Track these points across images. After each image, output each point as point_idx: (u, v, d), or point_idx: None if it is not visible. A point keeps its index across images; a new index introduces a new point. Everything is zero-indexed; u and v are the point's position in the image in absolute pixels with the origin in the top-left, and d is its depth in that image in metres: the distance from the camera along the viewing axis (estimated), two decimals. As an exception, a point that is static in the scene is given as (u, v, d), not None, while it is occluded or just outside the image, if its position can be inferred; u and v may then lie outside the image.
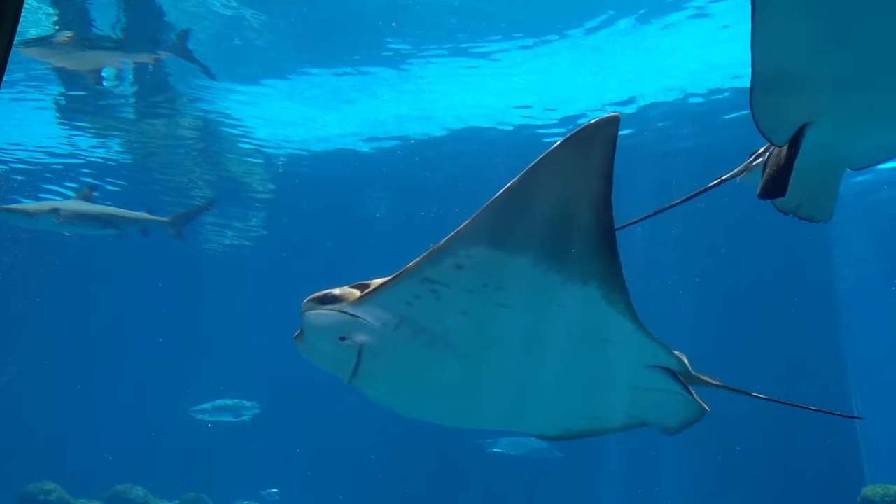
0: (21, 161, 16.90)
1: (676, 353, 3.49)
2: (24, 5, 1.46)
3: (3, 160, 17.03)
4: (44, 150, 16.46)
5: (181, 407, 19.66)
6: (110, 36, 10.79)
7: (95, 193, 13.19)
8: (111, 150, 16.32)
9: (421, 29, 11.44)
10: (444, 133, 15.50)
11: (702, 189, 4.17)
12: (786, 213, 3.85)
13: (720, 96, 13.48)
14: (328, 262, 21.21)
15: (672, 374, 3.29)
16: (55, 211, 11.45)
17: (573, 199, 2.70)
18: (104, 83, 13.01)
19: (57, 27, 10.48)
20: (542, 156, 2.63)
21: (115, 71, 12.47)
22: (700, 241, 16.74)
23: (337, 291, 3.24)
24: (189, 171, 17.01)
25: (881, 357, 27.51)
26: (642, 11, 10.96)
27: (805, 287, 18.36)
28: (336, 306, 3.19)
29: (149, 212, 12.47)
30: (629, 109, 13.68)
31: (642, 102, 13.74)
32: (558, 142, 2.61)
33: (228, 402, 19.07)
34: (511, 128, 14.84)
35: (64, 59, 11.35)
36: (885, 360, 27.96)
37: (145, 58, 11.66)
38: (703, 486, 17.18)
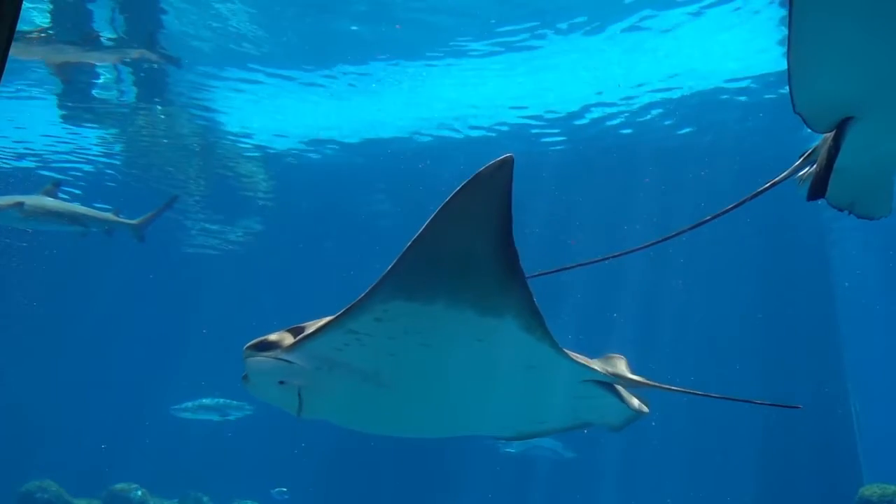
0: (22, 153, 16.89)
1: (615, 356, 3.80)
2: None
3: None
4: (41, 149, 16.45)
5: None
6: (92, 34, 10.73)
7: (64, 189, 12.89)
8: (109, 149, 16.32)
9: (421, 29, 11.44)
10: (444, 133, 15.49)
11: (752, 194, 3.98)
12: (840, 210, 3.77)
13: (726, 94, 13.50)
14: (327, 262, 21.23)
15: (603, 383, 3.52)
16: (19, 205, 11.05)
17: (476, 243, 2.81)
18: (106, 85, 13.01)
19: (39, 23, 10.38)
20: (439, 207, 2.71)
21: (113, 71, 12.46)
22: (697, 241, 16.74)
23: (273, 337, 3.42)
24: (185, 170, 17.00)
25: (880, 357, 27.56)
26: (641, 14, 10.97)
27: (803, 287, 18.37)
28: (271, 353, 3.36)
29: (115, 213, 12.35)
30: (627, 108, 13.68)
31: (640, 103, 13.72)
32: (455, 191, 2.68)
33: (208, 401, 18.92)
34: (509, 128, 14.84)
35: (32, 54, 11.14)
36: (884, 360, 28.00)
37: (120, 56, 11.57)
38: (702, 486, 17.20)
